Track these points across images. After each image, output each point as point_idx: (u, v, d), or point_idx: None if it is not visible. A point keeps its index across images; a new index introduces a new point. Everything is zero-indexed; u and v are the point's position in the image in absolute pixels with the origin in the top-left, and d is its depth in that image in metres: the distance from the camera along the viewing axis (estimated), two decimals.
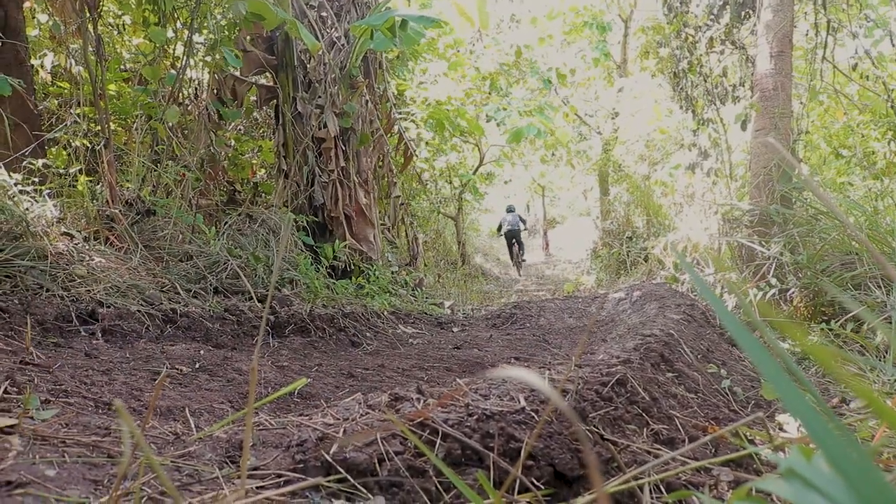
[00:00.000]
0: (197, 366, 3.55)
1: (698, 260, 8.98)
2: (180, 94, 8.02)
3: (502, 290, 17.32)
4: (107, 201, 6.13)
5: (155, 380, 3.07)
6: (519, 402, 1.91)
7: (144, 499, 1.33)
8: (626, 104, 16.21)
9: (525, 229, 24.10)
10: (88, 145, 6.78)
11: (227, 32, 8.55)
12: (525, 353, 5.25)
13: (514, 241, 22.85)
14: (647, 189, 15.11)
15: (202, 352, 4.00)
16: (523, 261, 23.29)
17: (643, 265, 12.68)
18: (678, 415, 2.45)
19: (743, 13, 9.99)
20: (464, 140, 19.87)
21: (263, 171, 10.57)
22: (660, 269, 11.21)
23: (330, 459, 1.52)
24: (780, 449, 1.86)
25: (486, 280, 19.85)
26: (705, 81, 10.58)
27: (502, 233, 23.58)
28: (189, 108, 8.44)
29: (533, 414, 1.85)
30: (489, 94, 18.70)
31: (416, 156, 13.75)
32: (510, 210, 23.93)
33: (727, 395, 3.25)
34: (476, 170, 21.09)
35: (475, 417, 1.75)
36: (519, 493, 1.60)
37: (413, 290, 10.08)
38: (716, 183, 10.13)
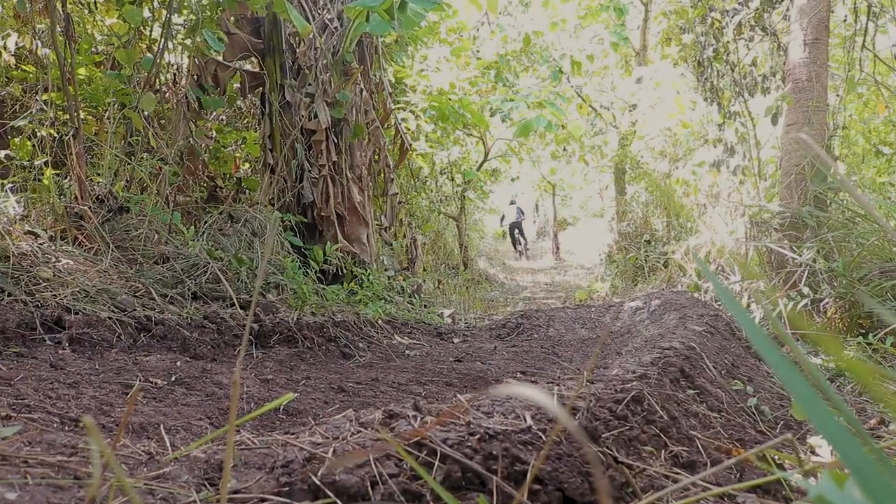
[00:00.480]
0: (173, 378, 3.56)
1: (723, 266, 8.98)
2: (157, 81, 8.03)
3: (508, 297, 17.32)
4: (75, 197, 6.14)
5: (127, 394, 3.08)
6: (525, 421, 1.91)
7: None
8: (646, 95, 16.21)
9: (524, 218, 30.60)
10: (55, 135, 6.79)
11: (209, 13, 8.56)
12: (532, 366, 5.26)
13: (516, 230, 30.04)
14: (667, 188, 15.11)
15: (179, 363, 4.00)
16: (527, 249, 30.37)
17: (662, 271, 12.67)
18: (699, 436, 2.45)
19: None
20: (467, 133, 19.88)
21: (248, 165, 10.58)
22: (681, 275, 11.21)
23: (318, 482, 1.53)
24: (810, 474, 1.86)
25: (491, 286, 19.85)
26: (732, 71, 10.59)
27: (504, 225, 30.48)
28: (166, 95, 8.45)
29: (540, 434, 1.85)
30: (495, 83, 18.69)
31: (413, 149, 13.75)
32: (512, 203, 29.91)
33: (753, 414, 3.26)
34: (480, 165, 21.08)
35: (477, 437, 1.75)
36: None
37: (410, 296, 10.09)
38: (743, 182, 10.13)
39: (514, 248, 30.95)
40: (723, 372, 3.83)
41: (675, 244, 12.46)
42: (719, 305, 7.31)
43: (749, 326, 0.81)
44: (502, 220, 31.22)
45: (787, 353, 4.34)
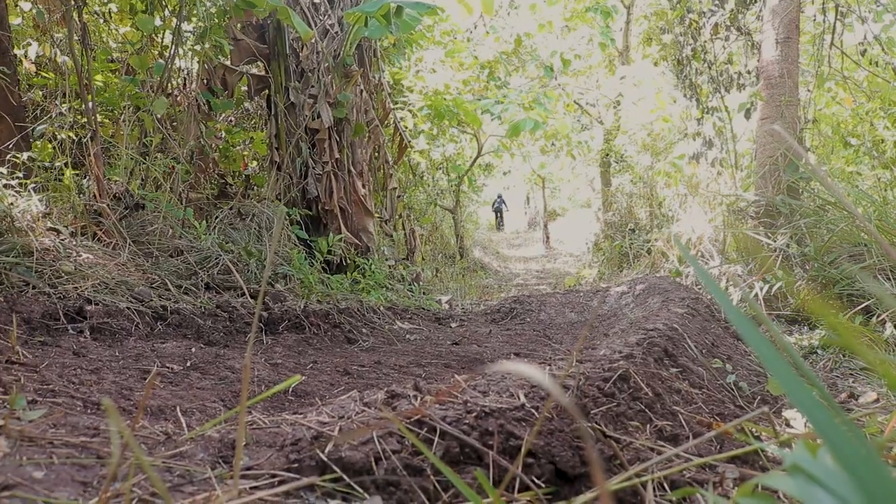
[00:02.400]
0: (188, 364, 3.56)
1: (703, 252, 8.99)
2: (169, 85, 8.01)
3: (502, 283, 17.33)
4: (94, 195, 6.12)
5: (145, 378, 3.08)
6: (519, 399, 1.91)
7: (135, 500, 1.33)
8: (629, 92, 16.20)
9: (507, 209, 40.38)
10: (74, 138, 6.77)
11: (216, 20, 8.53)
12: (525, 348, 5.26)
13: (499, 213, 39.54)
14: (650, 180, 15.12)
15: (193, 349, 4.00)
16: (502, 226, 39.35)
17: (646, 258, 12.67)
18: (682, 411, 2.45)
19: None
20: (461, 130, 19.85)
21: (255, 163, 10.56)
22: (663, 261, 11.22)
23: (325, 458, 1.53)
24: (786, 445, 1.86)
25: (486, 274, 19.84)
26: (710, 69, 10.58)
27: (494, 208, 39.69)
28: (178, 98, 8.43)
29: (533, 411, 1.86)
30: (487, 83, 18.63)
31: (412, 146, 13.73)
32: (499, 196, 39.45)
33: (732, 390, 3.26)
34: (474, 161, 21.05)
35: (474, 415, 1.75)
36: (519, 491, 1.60)
37: (410, 284, 10.09)
38: (720, 173, 10.13)
39: (497, 227, 39.90)
40: (703, 351, 3.84)
41: (658, 232, 12.48)
42: (699, 289, 7.32)
43: (728, 307, 0.81)
44: (493, 204, 40.31)
45: (764, 333, 4.35)
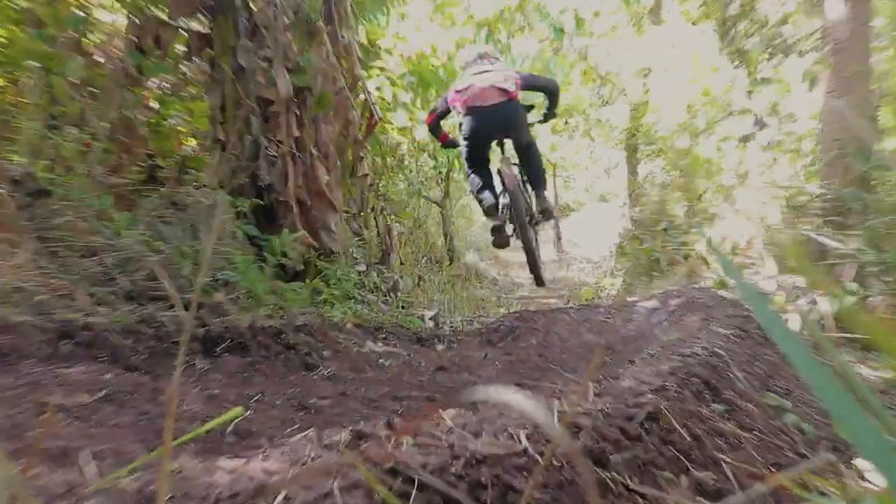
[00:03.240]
0: (101, 394, 3.52)
1: (753, 259, 9.00)
2: (87, 42, 7.97)
3: (501, 295, 17.33)
4: None
5: (44, 413, 3.04)
6: (519, 442, 1.89)
7: None
8: (661, 59, 16.23)
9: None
10: None
11: None
12: (529, 377, 5.24)
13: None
14: (687, 167, 15.14)
15: (108, 376, 3.95)
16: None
17: (683, 265, 12.69)
18: (727, 458, 2.43)
19: None
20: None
21: (194, 141, 10.52)
22: (705, 270, 11.23)
23: None
24: (856, 503, 1.84)
25: (481, 283, 19.85)
26: (762, 30, 10.61)
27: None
28: (98, 59, 8.39)
29: (537, 457, 1.83)
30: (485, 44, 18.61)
31: (388, 122, 13.68)
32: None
33: (792, 433, 3.25)
34: None
35: (462, 461, 1.73)
36: None
37: (385, 295, 10.07)
38: (776, 160, 10.16)
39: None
40: (755, 383, 3.82)
41: (698, 233, 12.49)
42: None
43: (776, 328, 0.78)
44: None
45: (828, 362, 4.33)
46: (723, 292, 8.35)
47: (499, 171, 9.14)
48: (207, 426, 1.30)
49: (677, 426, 2.41)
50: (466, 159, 9.35)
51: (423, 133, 18.87)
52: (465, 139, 9.09)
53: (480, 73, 8.88)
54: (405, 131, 17.01)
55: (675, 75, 15.24)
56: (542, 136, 26.01)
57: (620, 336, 7.36)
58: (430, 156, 19.85)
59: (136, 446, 2.72)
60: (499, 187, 9.26)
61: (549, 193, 9.39)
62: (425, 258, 18.94)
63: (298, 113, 9.39)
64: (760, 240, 9.15)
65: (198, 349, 5.12)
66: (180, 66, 10.18)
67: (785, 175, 9.82)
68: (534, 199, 9.45)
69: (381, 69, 14.08)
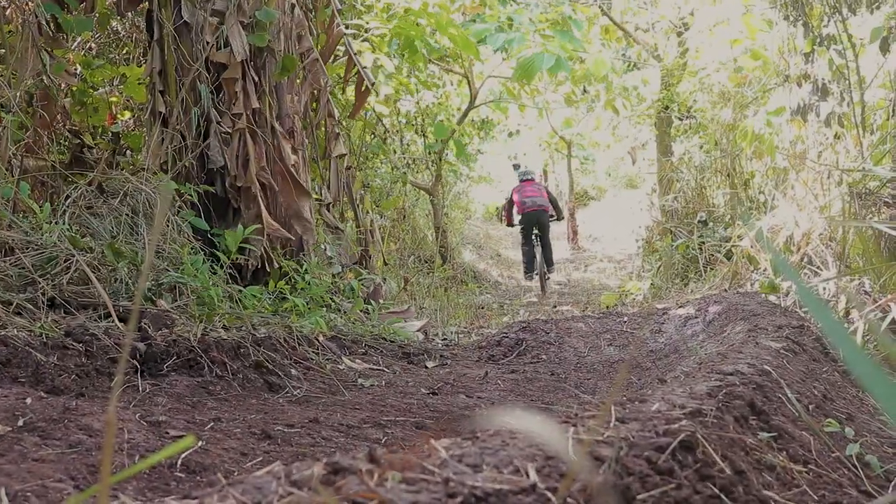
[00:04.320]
0: (20, 422, 3.53)
1: (811, 257, 9.00)
2: None
3: (504, 302, 17.39)
4: None
5: None
6: (527, 477, 1.91)
7: None
8: (701, 13, 16.23)
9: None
10: None
11: None
12: (539, 400, 5.27)
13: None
14: (731, 146, 15.14)
15: (29, 400, 3.97)
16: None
17: (724, 265, 12.69)
18: (777, 497, 2.45)
19: None
20: (445, 69, 19.81)
21: (128, 114, 10.51)
22: (751, 270, 11.23)
23: None
24: None
25: (480, 287, 19.91)
26: None
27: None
28: (7, 13, 8.37)
29: (549, 495, 1.85)
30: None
31: (376, 91, 13.63)
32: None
33: (855, 467, 3.27)
34: (464, 115, 20.96)
35: (459, 500, 1.75)
36: None
37: (365, 302, 10.08)
38: (840, 137, 10.14)
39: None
40: (811, 407, 3.84)
41: (743, 226, 12.48)
42: (806, 312, 7.33)
43: (844, 342, 0.80)
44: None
45: None
46: (772, 297, 8.37)
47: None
48: (152, 460, 1.32)
49: (717, 458, 2.44)
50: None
51: (408, 105, 18.86)
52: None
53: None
54: (388, 102, 16.88)
55: (718, 32, 15.25)
56: (555, 109, 25.92)
57: (648, 350, 7.39)
58: (418, 132, 19.80)
59: (64, 485, 2.74)
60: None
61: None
62: (413, 257, 18.95)
63: (257, 80, 9.33)
64: (819, 234, 9.15)
65: (139, 367, 5.14)
66: (110, 21, 10.14)
67: (850, 155, 9.80)
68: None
69: (359, 28, 14.00)
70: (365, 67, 11.54)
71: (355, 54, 11.45)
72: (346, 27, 12.43)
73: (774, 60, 13.10)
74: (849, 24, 10.22)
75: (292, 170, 9.41)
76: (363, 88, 11.38)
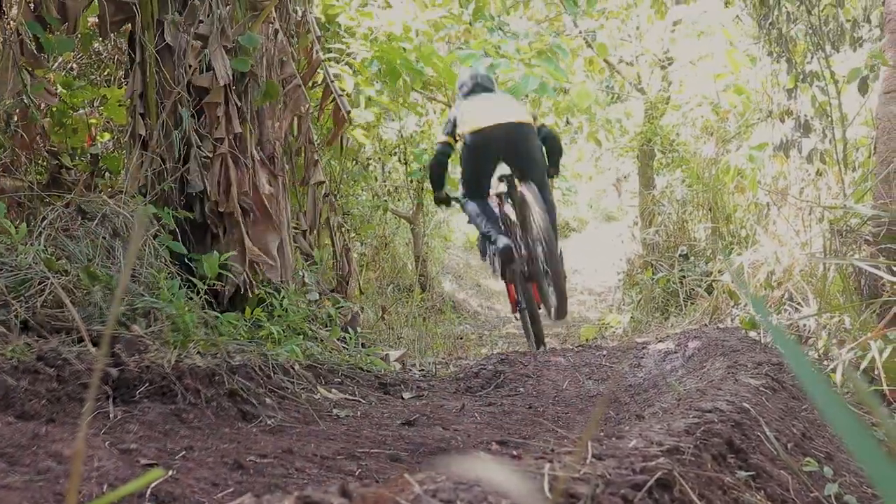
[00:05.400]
0: None
1: (792, 293, 9.03)
2: None
3: (483, 333, 17.35)
4: None
5: None
6: None
7: None
8: (685, 46, 16.31)
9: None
10: None
11: None
12: (516, 433, 5.26)
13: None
14: (713, 181, 15.20)
15: None
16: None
17: (705, 300, 12.73)
18: None
19: None
20: (428, 97, 19.84)
21: (108, 136, 10.49)
22: (731, 306, 11.27)
23: None
24: None
25: (459, 317, 19.87)
26: (809, 14, 10.67)
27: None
28: None
29: None
30: (470, 26, 18.54)
31: (351, 119, 13.64)
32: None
33: None
34: None
35: None
36: None
37: (343, 331, 10.06)
38: (822, 173, 10.20)
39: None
40: (790, 445, 3.85)
41: (724, 261, 12.52)
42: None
43: (811, 381, 0.80)
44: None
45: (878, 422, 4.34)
46: (752, 333, 8.39)
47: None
48: (122, 491, 1.31)
49: (694, 497, 2.44)
50: None
51: (390, 133, 18.84)
52: None
53: None
54: (369, 129, 16.87)
55: (702, 67, 15.33)
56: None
57: (627, 385, 7.39)
58: (400, 160, 19.81)
59: None
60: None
61: None
62: (391, 286, 18.93)
63: (239, 104, 9.34)
64: (801, 270, 9.19)
65: (110, 394, 5.11)
66: (92, 42, 10.14)
67: (832, 192, 9.86)
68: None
69: (341, 53, 14.02)
70: (341, 95, 11.54)
71: (332, 81, 11.46)
72: (329, 51, 12.44)
73: (758, 96, 13.19)
74: (832, 60, 10.30)
75: (266, 199, 9.36)
76: (339, 115, 11.39)
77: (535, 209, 9.74)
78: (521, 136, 10.26)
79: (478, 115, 10.46)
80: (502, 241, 10.15)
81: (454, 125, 11.01)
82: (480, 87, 11.22)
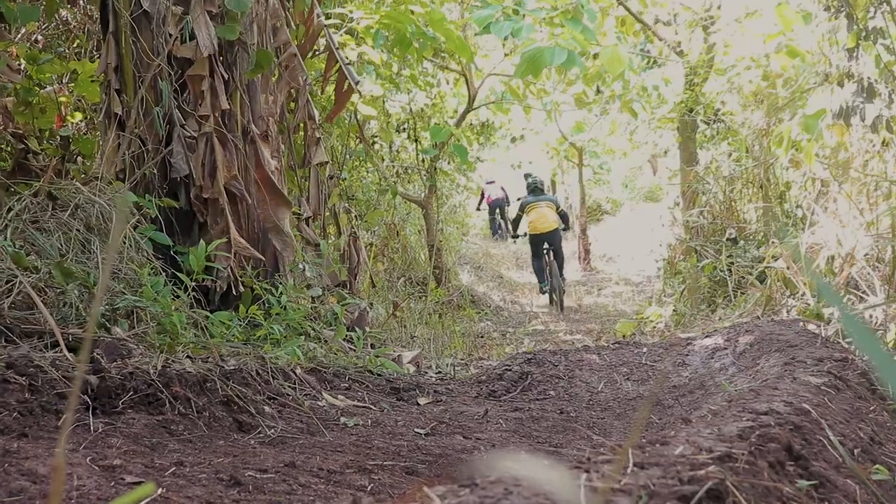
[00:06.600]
0: None
1: (855, 280, 8.98)
2: None
3: (507, 330, 17.38)
4: None
5: None
6: None
7: None
8: (730, 3, 16.23)
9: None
10: None
11: None
12: (546, 442, 5.26)
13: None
14: (764, 154, 15.14)
15: None
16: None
17: (756, 289, 12.67)
18: None
19: None
20: (440, 66, 19.80)
21: (80, 116, 10.49)
22: (786, 295, 11.22)
23: None
24: None
25: (480, 313, 19.86)
26: None
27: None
28: None
29: None
30: None
31: (359, 92, 13.60)
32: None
33: None
34: (462, 118, 20.90)
35: None
36: None
37: (349, 330, 10.06)
38: (888, 143, 10.13)
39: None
40: (856, 451, 3.84)
41: (779, 244, 12.46)
42: (850, 343, 7.30)
43: (890, 375, 0.79)
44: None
45: None
46: (811, 326, 8.33)
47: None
48: None
49: None
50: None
51: (397, 107, 18.80)
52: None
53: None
54: (375, 102, 16.78)
55: (750, 26, 15.25)
56: (565, 111, 25.82)
57: (671, 386, 7.38)
58: (410, 138, 19.75)
59: None
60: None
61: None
62: (403, 278, 18.92)
63: (227, 77, 9.30)
64: (865, 254, 9.13)
65: (90, 404, 5.12)
66: (59, 10, 10.11)
67: None
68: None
69: (343, 18, 13.97)
70: (348, 64, 11.46)
71: (337, 49, 11.39)
72: (328, 17, 12.36)
73: (813, 57, 13.10)
74: None
75: (270, 175, 9.33)
76: (345, 88, 11.30)
77: (554, 266, 22.26)
78: (554, 235, 22.64)
79: (536, 223, 22.59)
80: (546, 284, 22.83)
81: (522, 209, 23.51)
82: (539, 189, 23.70)
